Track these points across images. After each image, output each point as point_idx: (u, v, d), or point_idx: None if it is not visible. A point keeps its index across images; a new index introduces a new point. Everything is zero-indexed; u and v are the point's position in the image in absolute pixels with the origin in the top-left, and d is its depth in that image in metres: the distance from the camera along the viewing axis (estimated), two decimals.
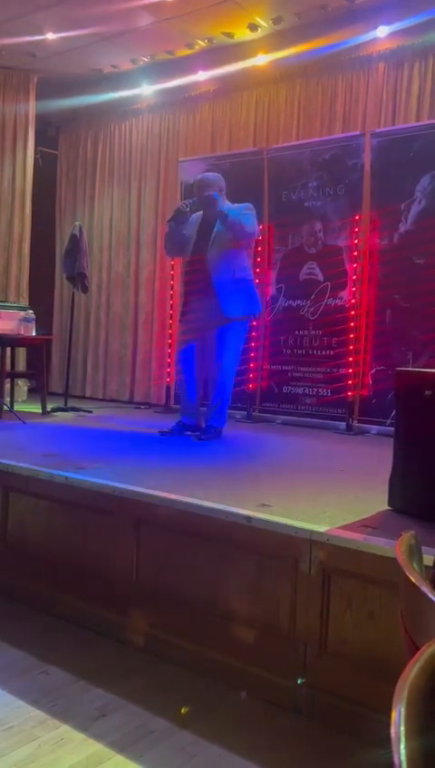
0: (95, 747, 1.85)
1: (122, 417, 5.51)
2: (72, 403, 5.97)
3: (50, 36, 5.95)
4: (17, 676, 2.24)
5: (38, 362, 5.48)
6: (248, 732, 1.97)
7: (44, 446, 3.66)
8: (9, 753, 1.81)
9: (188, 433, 4.23)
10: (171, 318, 6.09)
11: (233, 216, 4.08)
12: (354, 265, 5.17)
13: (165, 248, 4.61)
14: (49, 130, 7.72)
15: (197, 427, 4.28)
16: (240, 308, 4.15)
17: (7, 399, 5.22)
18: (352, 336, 5.15)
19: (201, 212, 4.32)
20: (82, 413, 5.63)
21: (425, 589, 0.84)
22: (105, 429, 4.67)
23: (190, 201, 4.29)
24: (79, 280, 5.84)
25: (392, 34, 5.27)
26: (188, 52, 6.13)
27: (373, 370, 5.08)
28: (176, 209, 4.32)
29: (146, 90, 6.69)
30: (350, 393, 5.14)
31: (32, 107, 6.89)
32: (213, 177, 4.39)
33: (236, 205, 4.27)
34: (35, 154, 7.04)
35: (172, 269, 6.14)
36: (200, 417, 4.31)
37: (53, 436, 4.30)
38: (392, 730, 0.52)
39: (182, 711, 1.98)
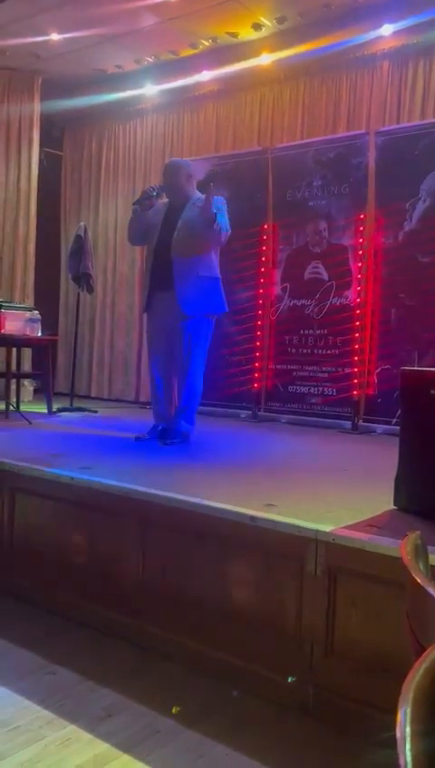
0: (102, 747, 1.86)
1: (128, 417, 5.51)
2: (77, 403, 5.98)
3: (54, 37, 5.96)
4: (24, 677, 2.24)
5: (44, 362, 5.49)
6: (254, 732, 1.97)
7: (50, 447, 3.66)
8: (16, 753, 1.82)
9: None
10: None
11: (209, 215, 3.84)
12: (359, 264, 5.16)
13: (128, 235, 4.23)
14: (53, 131, 7.74)
15: (169, 431, 4.04)
16: (201, 306, 3.93)
17: (13, 400, 5.23)
18: (357, 335, 5.15)
19: (168, 200, 4.09)
20: (87, 413, 5.64)
21: (431, 590, 0.84)
22: (111, 429, 4.67)
23: (159, 186, 4.07)
24: (84, 280, 5.85)
25: (397, 33, 5.26)
26: (192, 51, 6.13)
27: (379, 369, 5.07)
28: (143, 191, 4.07)
29: (150, 90, 6.70)
30: (355, 392, 5.14)
31: (36, 108, 6.90)
32: (182, 161, 4.22)
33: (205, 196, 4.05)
34: (40, 155, 7.06)
35: None
36: (172, 421, 4.06)
37: (58, 436, 4.31)
38: (398, 731, 0.52)
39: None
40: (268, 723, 2.03)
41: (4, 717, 1.99)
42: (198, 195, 4.04)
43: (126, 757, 1.82)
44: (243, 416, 5.69)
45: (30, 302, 6.68)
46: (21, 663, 2.35)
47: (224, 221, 3.86)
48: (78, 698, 2.11)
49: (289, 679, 2.09)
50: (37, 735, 1.90)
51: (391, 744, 0.54)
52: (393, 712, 0.56)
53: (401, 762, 0.50)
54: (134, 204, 4.07)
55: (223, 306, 4.06)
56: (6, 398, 5.01)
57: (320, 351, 5.35)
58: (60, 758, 1.80)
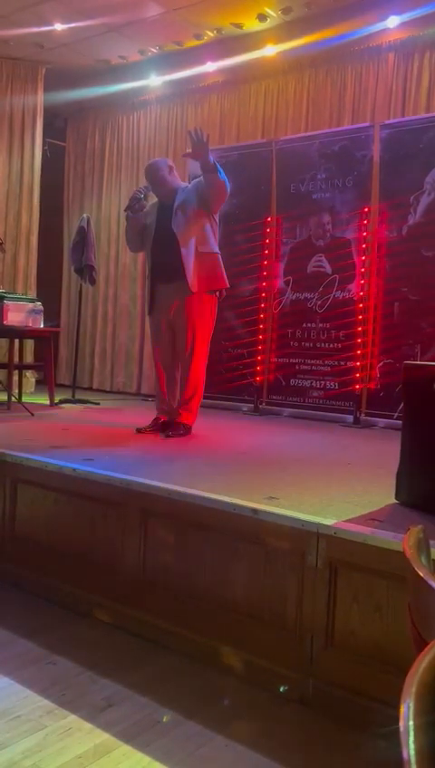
0: (102, 737, 1.87)
1: (130, 410, 5.52)
2: (79, 395, 5.98)
3: (58, 27, 5.93)
4: (25, 667, 2.25)
5: (46, 354, 5.49)
6: (254, 723, 1.98)
7: (52, 438, 3.67)
8: (17, 742, 1.83)
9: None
10: None
11: (198, 186, 3.92)
12: (363, 258, 5.15)
13: (127, 243, 4.31)
14: (57, 122, 7.71)
15: (171, 423, 4.02)
16: (203, 282, 3.92)
17: (15, 391, 5.23)
18: (359, 329, 5.14)
19: (157, 200, 4.13)
20: (89, 405, 5.64)
21: (433, 583, 0.84)
22: (112, 421, 4.68)
23: (144, 187, 4.10)
24: (86, 272, 5.84)
25: (403, 24, 5.23)
26: (197, 42, 6.10)
27: (381, 363, 5.06)
28: (131, 197, 4.11)
29: (154, 81, 6.67)
30: (357, 386, 5.13)
31: (40, 98, 6.87)
32: (158, 159, 4.28)
33: (195, 180, 4.07)
34: (43, 146, 7.04)
35: None
36: (174, 413, 4.06)
37: (60, 428, 4.31)
38: (401, 725, 0.52)
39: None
40: (268, 714, 2.04)
41: (5, 707, 2.00)
42: (184, 183, 4.10)
43: (126, 747, 1.83)
44: (245, 409, 5.69)
45: (32, 293, 6.68)
46: (22, 653, 2.36)
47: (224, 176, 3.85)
48: (79, 688, 2.12)
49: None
50: (38, 725, 1.91)
51: (393, 736, 0.54)
52: (394, 705, 0.56)
53: (405, 755, 0.50)
54: (125, 210, 4.10)
55: (223, 281, 4.04)
56: (8, 389, 5.01)
57: (322, 345, 5.34)
58: (61, 748, 1.81)
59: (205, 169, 3.80)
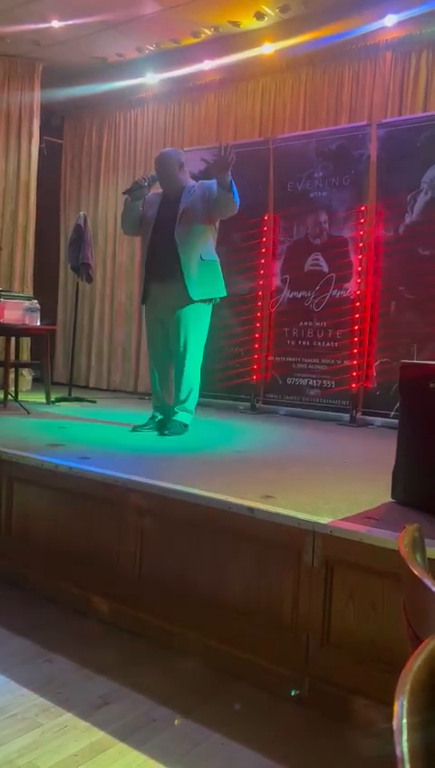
0: (98, 735, 1.87)
1: (126, 408, 5.51)
2: (76, 393, 5.97)
3: (55, 24, 5.92)
4: (21, 664, 2.25)
5: (42, 352, 5.48)
6: (251, 721, 1.98)
7: (48, 437, 3.67)
8: (13, 740, 1.83)
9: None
10: None
11: (212, 190, 3.89)
12: (360, 257, 5.15)
13: (122, 225, 4.28)
14: (54, 120, 7.69)
15: (168, 421, 4.02)
16: (205, 289, 3.94)
17: (11, 389, 5.23)
18: (356, 328, 5.14)
19: (161, 191, 4.10)
20: (85, 403, 5.64)
21: (428, 582, 0.84)
22: (109, 419, 4.67)
23: (149, 176, 4.07)
24: (83, 270, 5.83)
25: (400, 23, 5.22)
26: (194, 40, 6.09)
27: (378, 362, 5.07)
28: (134, 182, 4.08)
29: (151, 79, 6.66)
30: (354, 385, 5.14)
31: (36, 96, 6.86)
32: (172, 151, 4.20)
33: (200, 181, 4.06)
34: (40, 143, 7.02)
35: None
36: (170, 412, 4.05)
37: (56, 426, 4.31)
38: (395, 723, 0.52)
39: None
40: (264, 712, 2.04)
41: (0, 705, 2.00)
42: (192, 182, 4.05)
43: (122, 745, 1.83)
44: (241, 407, 5.69)
45: (29, 291, 6.67)
46: (18, 651, 2.35)
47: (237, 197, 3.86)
48: (75, 686, 2.12)
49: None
50: (34, 723, 1.91)
51: (388, 735, 0.54)
52: (389, 703, 0.56)
53: (398, 753, 0.50)
54: (124, 193, 4.08)
55: (222, 290, 4.06)
56: (5, 387, 5.00)
57: (319, 344, 5.35)
58: (56, 745, 1.81)
59: (221, 185, 3.80)
